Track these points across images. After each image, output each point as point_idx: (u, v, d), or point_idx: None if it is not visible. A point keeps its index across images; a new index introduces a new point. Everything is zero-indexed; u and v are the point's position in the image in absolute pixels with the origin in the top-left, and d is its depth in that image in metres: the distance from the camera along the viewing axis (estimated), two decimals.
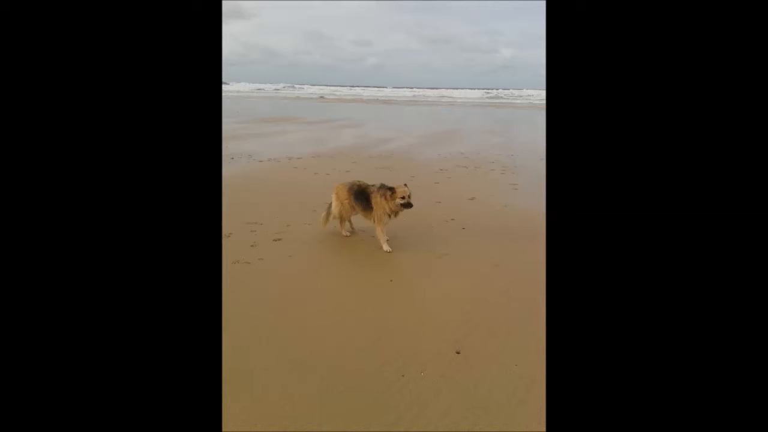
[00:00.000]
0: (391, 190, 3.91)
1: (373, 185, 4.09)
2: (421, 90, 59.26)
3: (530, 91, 49.29)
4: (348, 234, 4.36)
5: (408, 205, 3.95)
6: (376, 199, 3.98)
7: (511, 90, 55.30)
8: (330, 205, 4.26)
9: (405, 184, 3.99)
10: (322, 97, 42.13)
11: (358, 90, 61.27)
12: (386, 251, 3.90)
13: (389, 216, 3.95)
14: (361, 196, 4.06)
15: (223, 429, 1.60)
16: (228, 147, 8.83)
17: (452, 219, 4.66)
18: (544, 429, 1.68)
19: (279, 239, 4.00)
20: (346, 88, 69.75)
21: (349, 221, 4.35)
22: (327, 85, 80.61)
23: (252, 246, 3.78)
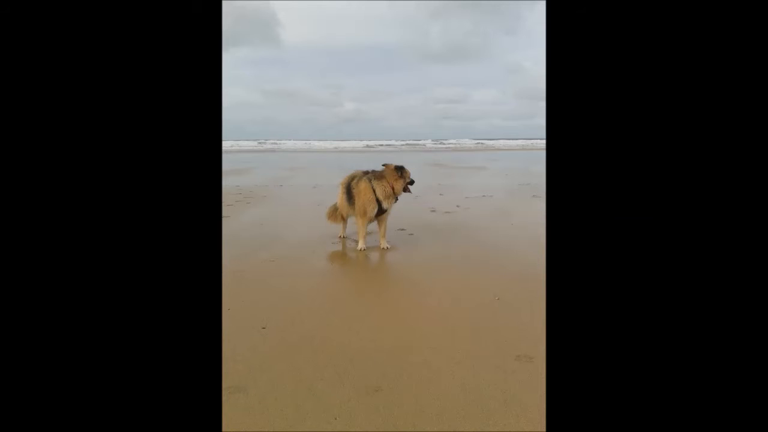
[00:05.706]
0: (401, 169, 3.80)
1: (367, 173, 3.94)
2: None
3: None
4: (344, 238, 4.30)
5: (412, 182, 3.90)
6: (360, 187, 3.79)
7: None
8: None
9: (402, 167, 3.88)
10: None
11: None
12: (360, 249, 3.84)
13: (390, 200, 3.78)
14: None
15: (223, 429, 1.59)
16: None
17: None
18: (544, 429, 1.67)
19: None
20: None
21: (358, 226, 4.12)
22: None
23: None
